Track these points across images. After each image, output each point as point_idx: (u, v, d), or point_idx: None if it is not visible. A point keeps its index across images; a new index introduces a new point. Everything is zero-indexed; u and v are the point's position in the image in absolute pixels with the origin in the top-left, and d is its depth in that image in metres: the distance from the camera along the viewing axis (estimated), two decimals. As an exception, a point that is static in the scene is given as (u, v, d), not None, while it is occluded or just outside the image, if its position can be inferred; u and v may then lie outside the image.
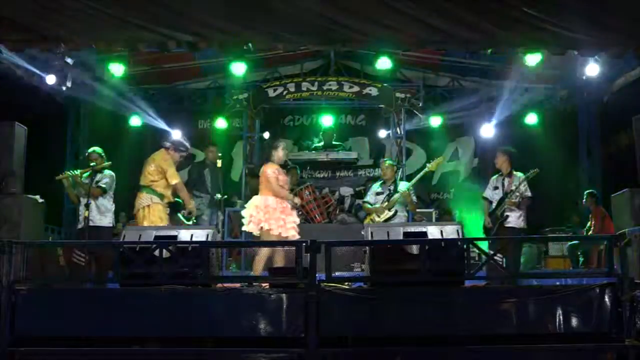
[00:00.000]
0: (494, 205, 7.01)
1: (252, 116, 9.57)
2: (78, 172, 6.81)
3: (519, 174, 6.96)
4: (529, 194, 6.87)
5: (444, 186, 10.94)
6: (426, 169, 7.61)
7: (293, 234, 6.04)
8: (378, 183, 7.67)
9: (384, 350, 4.35)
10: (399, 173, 8.29)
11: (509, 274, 5.64)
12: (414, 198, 7.40)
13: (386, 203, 7.28)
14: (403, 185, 7.37)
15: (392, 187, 7.39)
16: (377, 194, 7.48)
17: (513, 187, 6.86)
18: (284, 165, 6.45)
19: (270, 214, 6.04)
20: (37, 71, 8.33)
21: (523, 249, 8.47)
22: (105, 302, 4.54)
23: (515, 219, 6.84)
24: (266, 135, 9.99)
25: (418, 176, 7.55)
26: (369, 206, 7.46)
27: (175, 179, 6.61)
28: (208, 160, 8.81)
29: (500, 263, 5.84)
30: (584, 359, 4.40)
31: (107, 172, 6.77)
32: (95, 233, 6.57)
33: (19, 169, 6.20)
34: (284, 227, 6.03)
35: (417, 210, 8.65)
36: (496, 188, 7.07)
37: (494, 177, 7.24)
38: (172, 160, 6.64)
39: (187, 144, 7.01)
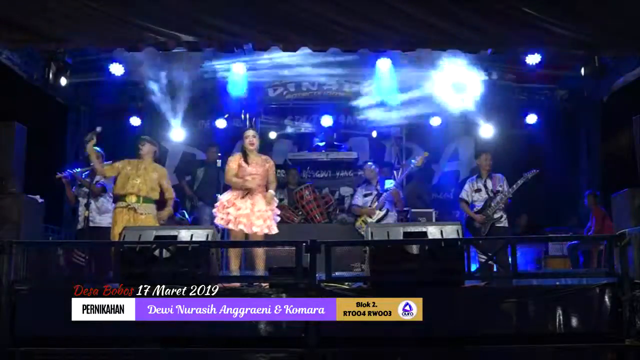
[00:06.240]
0: (477, 206, 7.09)
1: (251, 116, 9.56)
2: (78, 170, 6.82)
3: (498, 175, 7.14)
4: (511, 191, 7.01)
5: (444, 186, 10.91)
6: (411, 166, 7.64)
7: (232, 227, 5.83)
8: (363, 185, 7.82)
9: (384, 350, 4.35)
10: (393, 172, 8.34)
11: (509, 274, 5.64)
12: (400, 194, 7.49)
13: (376, 203, 7.33)
14: (389, 183, 7.44)
15: (378, 187, 7.48)
16: (365, 195, 7.56)
17: (499, 188, 7.02)
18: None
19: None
20: (37, 71, 8.32)
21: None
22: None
23: (504, 218, 7.01)
24: (272, 135, 9.99)
25: (405, 173, 7.59)
26: (358, 208, 7.52)
27: None
28: (208, 160, 8.82)
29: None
30: (584, 359, 4.40)
31: (107, 171, 6.77)
32: (95, 233, 6.57)
33: (19, 169, 6.21)
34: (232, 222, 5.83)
35: (417, 210, 8.68)
36: (478, 190, 7.14)
37: (472, 180, 7.31)
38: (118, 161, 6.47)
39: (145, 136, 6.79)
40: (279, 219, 6.13)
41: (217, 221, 5.90)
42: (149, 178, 6.27)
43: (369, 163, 8.05)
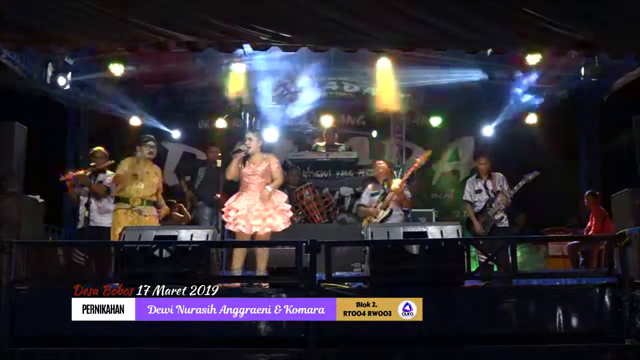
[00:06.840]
0: (478, 207, 7.09)
1: (252, 116, 9.58)
2: (81, 172, 6.81)
3: (498, 175, 7.13)
4: (512, 192, 7.01)
5: (444, 186, 10.93)
6: (415, 164, 7.62)
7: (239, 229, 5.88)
8: (372, 184, 7.71)
9: (384, 350, 4.35)
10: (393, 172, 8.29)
11: (509, 274, 5.64)
12: (407, 194, 7.38)
13: (381, 203, 7.29)
14: (396, 183, 7.40)
15: (385, 187, 7.43)
16: (372, 195, 7.50)
17: (499, 188, 7.02)
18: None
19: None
20: (37, 71, 8.32)
21: (523, 249, 8.53)
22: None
23: (505, 219, 7.00)
24: (272, 135, 9.99)
25: (409, 172, 7.57)
26: (364, 208, 7.48)
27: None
28: (208, 160, 8.82)
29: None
30: (584, 359, 4.41)
31: (110, 172, 6.78)
32: (96, 233, 6.57)
33: (19, 169, 6.19)
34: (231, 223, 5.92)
35: (417, 210, 8.66)
36: (479, 191, 7.14)
37: (472, 180, 7.30)
38: (124, 163, 6.49)
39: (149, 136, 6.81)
40: (291, 213, 6.11)
41: (227, 226, 6.01)
42: (151, 183, 6.43)
43: (379, 161, 7.90)
